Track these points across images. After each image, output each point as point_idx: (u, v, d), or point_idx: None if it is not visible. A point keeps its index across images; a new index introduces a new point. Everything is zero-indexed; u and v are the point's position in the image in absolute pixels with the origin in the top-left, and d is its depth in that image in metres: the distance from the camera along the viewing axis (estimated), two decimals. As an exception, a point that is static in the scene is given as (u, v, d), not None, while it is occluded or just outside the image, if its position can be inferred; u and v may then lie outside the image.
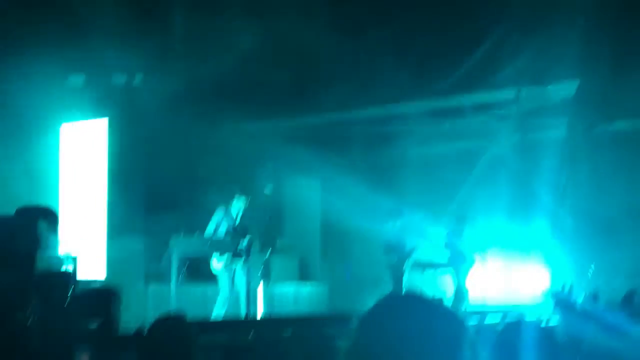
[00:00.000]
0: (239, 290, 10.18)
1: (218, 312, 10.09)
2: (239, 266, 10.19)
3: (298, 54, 14.94)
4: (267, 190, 11.74)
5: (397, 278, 12.27)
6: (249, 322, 8.57)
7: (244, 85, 14.20)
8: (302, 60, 15.15)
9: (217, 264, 10.15)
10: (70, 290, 6.68)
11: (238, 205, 10.45)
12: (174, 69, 12.64)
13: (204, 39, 13.51)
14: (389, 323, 1.78)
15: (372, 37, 14.77)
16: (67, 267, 7.30)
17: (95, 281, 9.61)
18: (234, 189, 10.61)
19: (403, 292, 1.96)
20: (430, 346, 1.73)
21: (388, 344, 1.74)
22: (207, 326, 7.32)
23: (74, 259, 7.46)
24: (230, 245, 9.71)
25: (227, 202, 10.57)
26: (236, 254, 9.95)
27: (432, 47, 16.03)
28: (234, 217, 10.40)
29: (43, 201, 10.51)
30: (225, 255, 9.98)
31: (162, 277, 12.42)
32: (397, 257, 12.36)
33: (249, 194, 10.68)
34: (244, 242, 9.58)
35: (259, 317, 10.64)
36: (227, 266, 10.07)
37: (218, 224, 10.27)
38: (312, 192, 17.38)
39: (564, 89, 15.39)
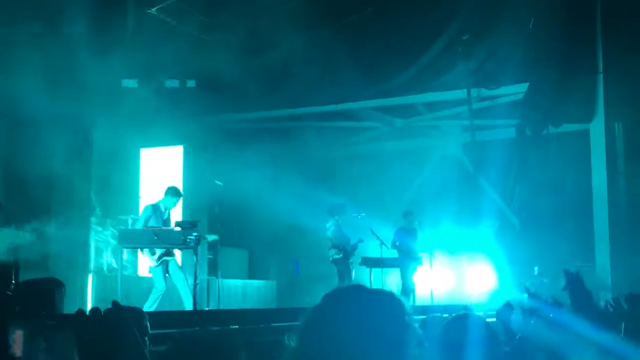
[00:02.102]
0: (177, 284, 10.10)
1: (148, 307, 9.96)
2: (173, 261, 10.14)
3: (251, 50, 14.90)
4: (218, 181, 11.65)
5: (342, 273, 12.27)
6: (197, 314, 8.50)
7: (200, 80, 14.13)
8: (255, 57, 15.09)
9: (150, 260, 10.08)
10: (12, 281, 6.57)
11: (170, 204, 10.38)
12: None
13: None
14: (333, 315, 1.80)
15: (326, 35, 14.79)
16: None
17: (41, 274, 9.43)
18: (171, 190, 10.52)
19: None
20: (374, 333, 1.75)
21: (333, 336, 1.75)
22: (155, 316, 7.23)
23: (17, 250, 7.31)
24: (178, 237, 9.61)
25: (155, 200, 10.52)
26: (169, 252, 9.98)
27: (385, 46, 16.15)
28: (163, 211, 10.32)
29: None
30: (157, 252, 9.93)
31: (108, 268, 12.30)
32: (341, 253, 12.36)
33: (179, 191, 10.61)
34: (193, 235, 9.48)
35: (206, 310, 10.59)
36: (161, 261, 10.00)
37: (147, 220, 10.20)
38: (263, 188, 17.36)
39: (514, 92, 15.61)
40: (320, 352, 1.75)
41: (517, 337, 3.95)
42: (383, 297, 1.88)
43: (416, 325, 1.83)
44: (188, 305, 9.62)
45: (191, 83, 13.93)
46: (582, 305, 4.86)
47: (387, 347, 1.76)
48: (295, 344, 1.82)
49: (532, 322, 4.63)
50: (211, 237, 10.72)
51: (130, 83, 13.31)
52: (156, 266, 10.07)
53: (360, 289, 1.92)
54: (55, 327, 3.92)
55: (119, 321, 1.81)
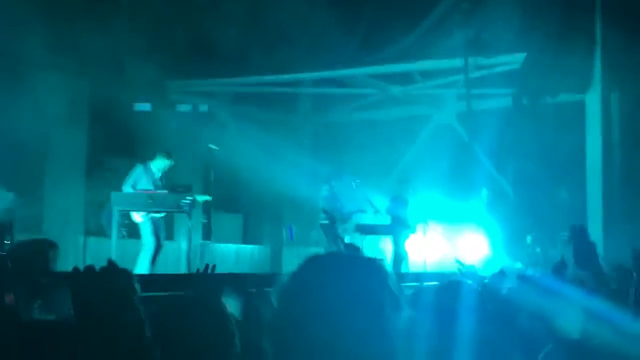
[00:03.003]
0: (162, 242, 10.12)
1: (143, 266, 9.92)
2: (159, 217, 10.11)
3: (248, 16, 14.79)
4: (213, 145, 11.62)
5: (331, 240, 12.31)
6: (188, 277, 8.52)
7: (191, 46, 14.03)
8: (251, 22, 14.98)
9: (137, 215, 10.04)
10: (7, 240, 6.59)
11: (161, 165, 10.30)
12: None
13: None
14: (311, 281, 1.81)
15: (322, 0, 14.68)
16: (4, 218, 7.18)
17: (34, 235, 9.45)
18: (161, 152, 10.45)
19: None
20: (353, 299, 1.76)
21: (312, 302, 1.77)
22: (146, 278, 7.26)
23: (12, 211, 7.33)
24: (172, 201, 9.61)
25: (146, 160, 10.42)
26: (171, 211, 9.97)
27: (382, 13, 16.03)
28: (154, 173, 10.25)
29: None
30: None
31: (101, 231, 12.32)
32: (329, 219, 12.39)
33: (171, 154, 10.52)
34: (187, 198, 9.48)
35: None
36: (149, 217, 9.99)
37: (137, 180, 10.12)
38: (257, 153, 17.35)
39: (511, 61, 15.55)
40: (299, 317, 1.77)
41: (500, 299, 3.99)
42: (358, 262, 1.89)
43: (396, 287, 1.84)
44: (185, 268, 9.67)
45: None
46: (586, 259, 4.89)
47: (366, 312, 1.77)
48: (271, 314, 1.83)
49: (523, 287, 4.66)
50: (202, 198, 10.70)
51: None
52: (144, 222, 10.06)
53: (336, 255, 1.95)
54: (49, 285, 3.96)
55: (113, 278, 1.83)
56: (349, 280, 1.81)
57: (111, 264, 1.88)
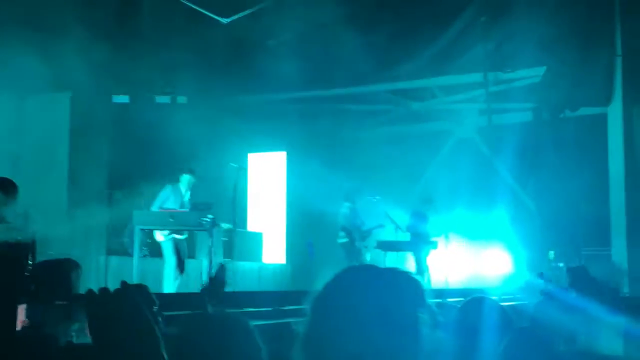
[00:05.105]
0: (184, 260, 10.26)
1: (169, 285, 10.03)
2: (182, 238, 10.25)
3: (267, 34, 14.86)
4: (234, 163, 11.64)
5: (349, 257, 12.28)
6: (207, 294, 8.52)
7: (209, 61, 14.12)
8: (271, 37, 15.06)
9: (159, 235, 10.16)
10: (30, 262, 6.59)
11: (186, 182, 10.42)
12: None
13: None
14: (344, 294, 1.79)
15: (340, 17, 14.71)
16: (27, 239, 7.20)
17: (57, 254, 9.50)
18: (182, 167, 10.57)
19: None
20: (386, 312, 1.74)
21: (344, 316, 1.75)
22: (168, 298, 7.27)
23: (33, 232, 7.35)
24: (193, 219, 9.65)
25: (175, 180, 10.53)
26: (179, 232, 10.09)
27: (401, 29, 16.02)
28: (182, 192, 10.37)
29: None
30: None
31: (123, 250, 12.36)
32: (348, 237, 12.37)
33: (196, 173, 10.63)
34: (208, 217, 9.52)
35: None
36: (170, 237, 10.10)
37: (164, 200, 10.25)
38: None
39: (531, 75, 15.50)
40: (333, 329, 1.75)
41: (530, 318, 3.94)
42: (396, 276, 1.86)
43: (432, 304, 1.81)
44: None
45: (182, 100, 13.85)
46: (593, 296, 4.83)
47: (400, 327, 1.75)
48: (305, 326, 1.81)
49: (548, 305, 4.61)
50: (226, 226, 10.77)
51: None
52: (165, 241, 10.15)
53: (371, 267, 1.91)
54: (70, 306, 3.97)
55: (127, 300, 1.82)
56: (384, 294, 1.78)
57: (124, 285, 1.87)
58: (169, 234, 10.15)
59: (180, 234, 10.27)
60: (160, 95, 14.24)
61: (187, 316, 2.21)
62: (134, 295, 1.82)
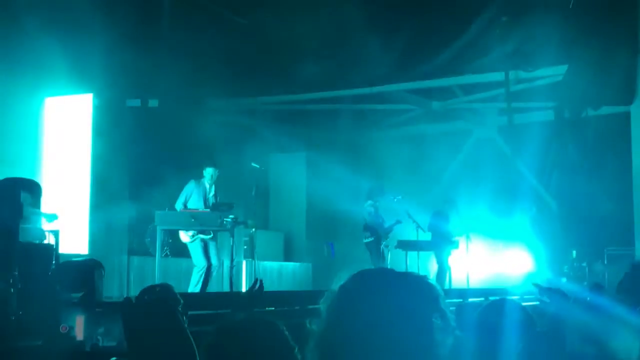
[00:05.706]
0: (214, 262, 10.20)
1: (195, 286, 10.02)
2: (209, 238, 10.19)
3: (286, 32, 14.86)
4: (255, 163, 11.65)
5: (374, 256, 12.28)
6: (234, 296, 8.57)
7: (229, 63, 14.14)
8: (291, 38, 15.06)
9: (184, 235, 10.13)
10: (53, 262, 6.67)
11: (209, 177, 10.37)
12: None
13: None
14: (359, 297, 1.80)
15: (361, 16, 14.70)
16: (49, 240, 7.26)
17: (78, 255, 9.56)
18: (204, 160, 10.53)
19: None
20: (401, 316, 1.75)
21: (359, 319, 1.76)
22: (193, 298, 7.32)
23: (56, 232, 7.41)
24: (215, 219, 9.67)
25: (198, 175, 10.50)
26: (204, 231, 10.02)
27: (422, 28, 15.99)
28: (207, 188, 10.35)
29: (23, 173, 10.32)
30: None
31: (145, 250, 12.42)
32: (373, 235, 12.36)
33: (219, 165, 10.56)
34: (229, 216, 9.54)
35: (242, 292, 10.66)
36: (197, 237, 10.08)
37: (188, 196, 10.24)
38: (298, 170, 17.40)
39: (552, 74, 15.40)
40: (347, 331, 1.76)
41: (550, 318, 3.93)
42: (410, 280, 1.86)
43: (448, 309, 1.81)
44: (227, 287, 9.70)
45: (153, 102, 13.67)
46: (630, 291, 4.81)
47: (415, 331, 1.76)
48: (320, 327, 1.82)
49: (570, 305, 4.59)
50: (252, 223, 10.79)
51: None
52: (191, 242, 10.16)
53: (387, 271, 1.92)
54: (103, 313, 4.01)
55: (164, 308, 1.84)
56: (398, 298, 1.79)
57: (164, 288, 1.89)
58: (195, 234, 10.16)
59: (206, 234, 10.27)
60: (184, 98, 14.27)
61: (218, 323, 2.22)
62: (170, 303, 1.85)
